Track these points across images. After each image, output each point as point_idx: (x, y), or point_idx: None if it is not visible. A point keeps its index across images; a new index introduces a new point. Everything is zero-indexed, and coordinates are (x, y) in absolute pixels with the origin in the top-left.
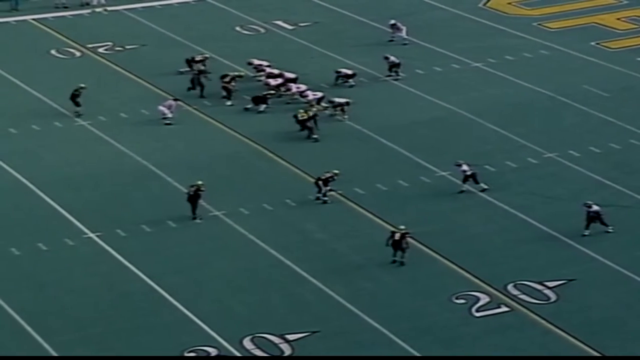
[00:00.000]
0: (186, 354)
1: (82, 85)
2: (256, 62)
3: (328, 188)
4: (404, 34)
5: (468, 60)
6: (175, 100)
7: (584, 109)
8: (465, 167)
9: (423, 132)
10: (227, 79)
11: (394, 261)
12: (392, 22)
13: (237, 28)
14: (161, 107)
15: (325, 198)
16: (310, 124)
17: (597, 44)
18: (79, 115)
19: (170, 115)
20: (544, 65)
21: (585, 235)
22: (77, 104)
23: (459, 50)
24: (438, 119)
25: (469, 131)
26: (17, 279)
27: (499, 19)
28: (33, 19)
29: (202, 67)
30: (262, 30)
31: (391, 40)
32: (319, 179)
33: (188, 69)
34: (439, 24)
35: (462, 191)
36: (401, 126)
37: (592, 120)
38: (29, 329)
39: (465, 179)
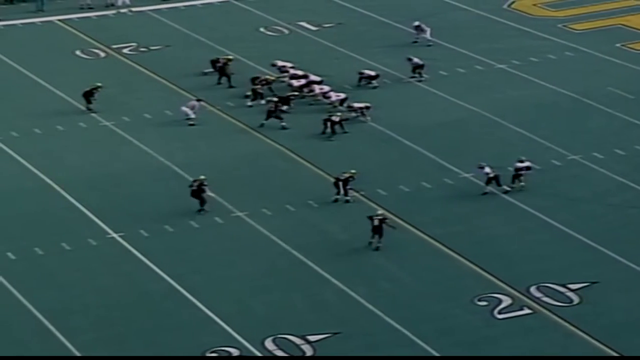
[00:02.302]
0: (208, 355)
1: (99, 84)
2: (280, 63)
3: (349, 188)
4: (428, 35)
5: (492, 62)
6: (199, 100)
7: (608, 111)
8: (487, 170)
9: (446, 134)
10: (257, 82)
11: (370, 243)
12: (417, 23)
13: (261, 29)
14: (184, 108)
15: (348, 197)
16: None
17: (623, 45)
18: (91, 111)
19: (193, 116)
20: (568, 66)
21: (507, 191)
22: (90, 102)
23: (482, 52)
24: (461, 120)
25: (492, 133)
26: (41, 278)
27: (524, 21)
28: (58, 20)
29: (224, 63)
30: (286, 32)
31: (415, 42)
32: (337, 179)
33: (212, 69)
34: (463, 25)
35: (485, 193)
36: (424, 128)
37: (617, 122)
38: (52, 328)
39: (488, 181)
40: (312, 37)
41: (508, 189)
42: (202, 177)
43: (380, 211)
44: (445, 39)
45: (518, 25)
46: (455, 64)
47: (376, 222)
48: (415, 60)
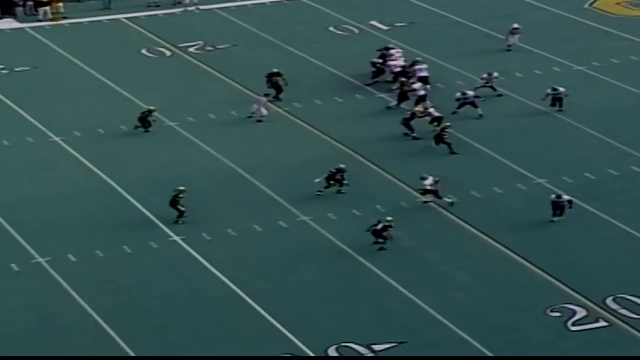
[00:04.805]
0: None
1: (152, 107)
2: (392, 51)
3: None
4: (516, 40)
5: (570, 64)
6: (266, 95)
7: None
8: (429, 181)
9: (520, 138)
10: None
11: (376, 243)
12: (515, 25)
13: (331, 28)
14: (255, 105)
15: (342, 187)
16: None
17: None
18: (147, 131)
19: (266, 113)
20: None
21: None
22: (146, 125)
23: (561, 53)
24: (536, 124)
25: (569, 137)
26: (101, 282)
27: (605, 20)
28: (125, 18)
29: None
30: (356, 31)
31: (509, 49)
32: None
33: (379, 65)
34: (541, 25)
35: (425, 202)
36: (497, 132)
37: None
38: (111, 332)
39: (425, 192)
40: (383, 36)
41: (450, 200)
42: (182, 187)
43: (390, 217)
44: (522, 39)
45: (599, 25)
46: (532, 66)
47: (379, 227)
48: (561, 90)
